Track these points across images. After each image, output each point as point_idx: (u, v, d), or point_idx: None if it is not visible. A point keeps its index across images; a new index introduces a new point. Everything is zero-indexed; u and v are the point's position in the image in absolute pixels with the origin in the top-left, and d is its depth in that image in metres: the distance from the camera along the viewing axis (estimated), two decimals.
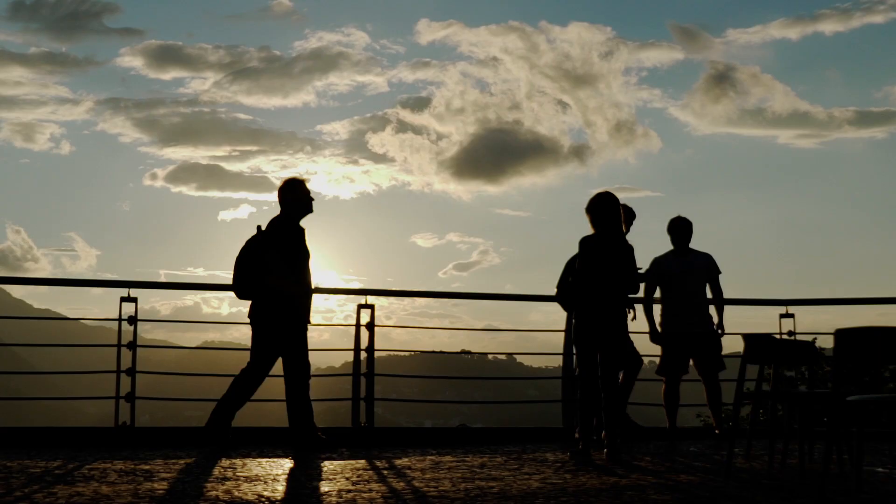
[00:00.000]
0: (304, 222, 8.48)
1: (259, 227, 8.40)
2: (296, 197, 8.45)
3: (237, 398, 8.31)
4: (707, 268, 9.26)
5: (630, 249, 8.13)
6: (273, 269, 8.17)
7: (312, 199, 8.52)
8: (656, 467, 7.44)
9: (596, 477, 6.80)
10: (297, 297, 8.27)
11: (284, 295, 8.20)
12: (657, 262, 9.32)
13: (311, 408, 8.37)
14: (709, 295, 9.32)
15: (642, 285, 9.09)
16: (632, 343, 9.02)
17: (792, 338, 10.37)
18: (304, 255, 8.40)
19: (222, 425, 8.30)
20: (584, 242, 8.20)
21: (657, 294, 9.38)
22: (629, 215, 9.10)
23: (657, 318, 9.32)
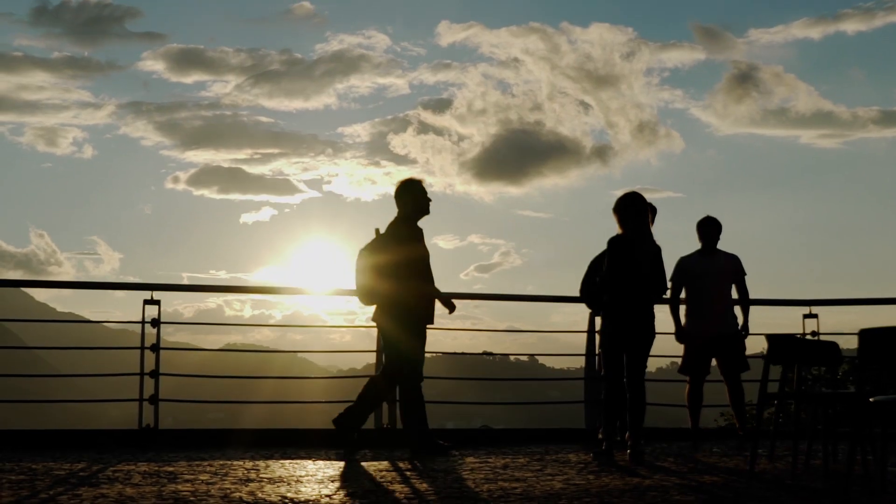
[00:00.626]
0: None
1: (377, 230, 8.39)
2: (413, 197, 8.39)
3: (415, 406, 8.30)
4: (733, 269, 9.21)
5: (658, 250, 8.11)
6: (392, 272, 8.15)
7: (430, 200, 8.47)
8: (679, 468, 7.42)
9: (619, 478, 6.79)
10: (418, 299, 8.24)
11: (405, 298, 8.19)
12: (683, 262, 9.27)
13: (424, 411, 8.37)
14: (734, 296, 9.28)
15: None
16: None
17: (815, 338, 10.32)
18: (424, 255, 8.37)
19: (424, 435, 8.31)
20: (613, 242, 8.15)
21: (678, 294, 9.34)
22: (651, 212, 9.07)
23: (682, 319, 9.28)
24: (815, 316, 10.62)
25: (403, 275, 8.15)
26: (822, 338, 10.40)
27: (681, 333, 9.21)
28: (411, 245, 8.26)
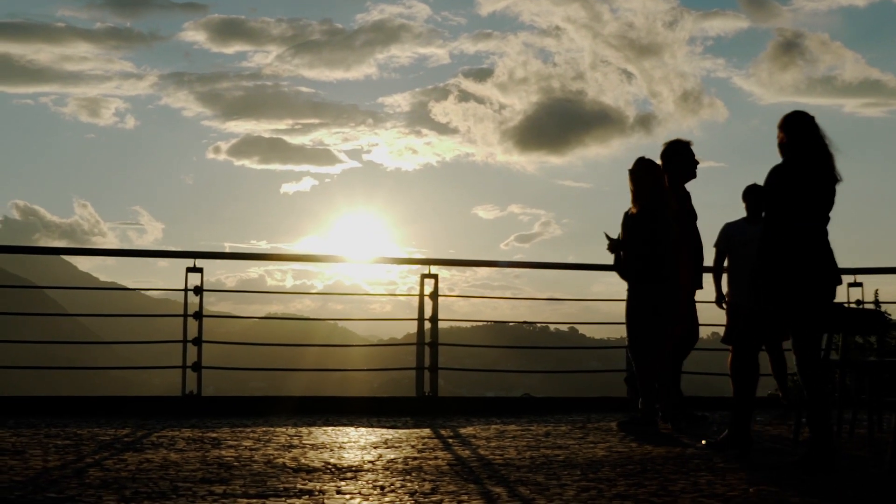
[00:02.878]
0: None
1: None
2: (681, 160, 8.26)
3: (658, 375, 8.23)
4: None
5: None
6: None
7: (697, 163, 8.32)
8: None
9: (661, 446, 6.76)
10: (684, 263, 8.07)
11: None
12: (728, 228, 9.17)
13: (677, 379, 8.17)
14: None
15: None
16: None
17: (860, 307, 10.21)
18: (691, 218, 8.26)
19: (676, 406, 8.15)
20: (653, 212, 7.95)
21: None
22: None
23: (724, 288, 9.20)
24: (860, 284, 10.49)
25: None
26: (867, 306, 10.29)
27: (721, 301, 9.15)
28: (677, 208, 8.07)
